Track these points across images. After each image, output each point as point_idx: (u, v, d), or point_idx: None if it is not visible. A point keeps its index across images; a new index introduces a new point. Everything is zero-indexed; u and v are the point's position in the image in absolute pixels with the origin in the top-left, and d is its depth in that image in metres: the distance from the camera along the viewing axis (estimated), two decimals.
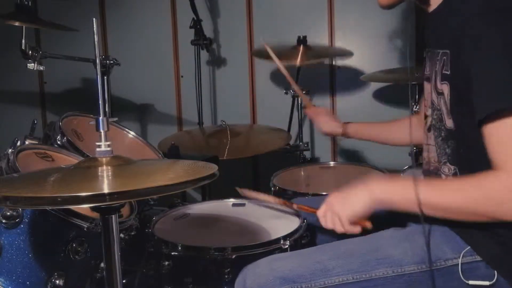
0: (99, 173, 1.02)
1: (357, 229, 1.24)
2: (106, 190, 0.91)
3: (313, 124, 1.99)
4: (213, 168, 1.05)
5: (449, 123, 1.21)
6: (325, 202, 1.27)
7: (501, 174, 1.05)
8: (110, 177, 1.00)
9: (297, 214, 1.58)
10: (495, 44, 1.05)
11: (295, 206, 1.46)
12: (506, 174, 1.04)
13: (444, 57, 1.19)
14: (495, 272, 1.17)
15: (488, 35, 1.07)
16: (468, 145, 1.18)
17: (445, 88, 1.19)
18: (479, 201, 1.07)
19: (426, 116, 1.34)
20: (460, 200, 1.10)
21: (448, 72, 1.18)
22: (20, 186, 1.02)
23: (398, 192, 1.17)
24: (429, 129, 1.33)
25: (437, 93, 1.23)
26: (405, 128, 1.68)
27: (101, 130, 1.07)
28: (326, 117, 1.96)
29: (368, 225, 1.25)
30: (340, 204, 1.23)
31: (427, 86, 1.33)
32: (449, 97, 1.18)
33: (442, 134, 1.25)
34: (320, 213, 1.28)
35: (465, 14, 1.12)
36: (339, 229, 1.24)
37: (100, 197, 0.90)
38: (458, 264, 1.19)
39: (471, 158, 1.18)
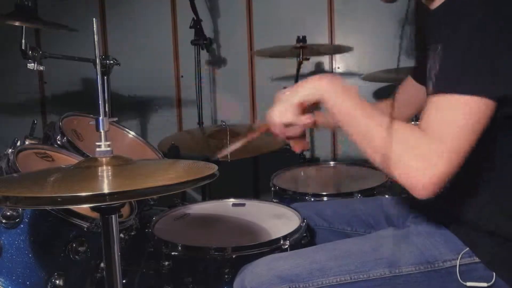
0: (99, 173, 1.02)
1: (305, 119, 1.20)
2: (106, 190, 0.91)
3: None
4: (213, 168, 1.05)
5: None
6: (273, 102, 1.23)
7: (424, 140, 1.03)
8: (110, 177, 1.01)
9: (297, 214, 1.58)
10: (468, 26, 1.04)
11: (256, 130, 1.32)
12: (428, 142, 1.02)
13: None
14: (494, 273, 1.17)
15: (466, 19, 1.05)
16: None
17: None
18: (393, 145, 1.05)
19: None
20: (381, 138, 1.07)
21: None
22: (20, 186, 1.02)
23: (343, 100, 1.15)
24: None
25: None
26: None
27: (101, 130, 1.07)
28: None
29: (306, 144, 1.24)
30: (286, 95, 1.20)
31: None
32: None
33: None
34: (268, 114, 1.22)
35: (459, 14, 1.11)
36: (289, 120, 1.19)
37: (100, 197, 0.90)
38: (456, 265, 1.19)
39: (465, 162, 1.17)
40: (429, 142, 1.02)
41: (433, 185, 1.01)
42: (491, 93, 1.01)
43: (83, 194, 0.88)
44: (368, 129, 1.10)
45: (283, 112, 1.20)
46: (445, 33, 1.13)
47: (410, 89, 1.60)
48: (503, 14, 1.04)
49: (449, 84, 1.04)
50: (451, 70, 1.05)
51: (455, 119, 1.02)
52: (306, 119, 1.20)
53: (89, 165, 1.06)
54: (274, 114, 1.21)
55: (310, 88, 1.18)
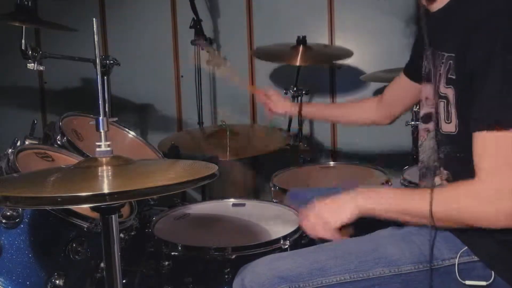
0: (99, 173, 1.02)
1: (339, 236, 1.28)
2: (106, 190, 0.91)
3: (265, 108, 1.97)
4: (213, 168, 1.05)
5: (446, 127, 1.21)
6: (313, 210, 1.30)
7: (477, 184, 1.10)
8: (110, 177, 1.00)
9: (297, 214, 1.58)
10: (499, 56, 1.07)
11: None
12: (481, 183, 1.09)
13: (450, 61, 1.17)
14: (492, 272, 1.17)
15: (494, 45, 1.08)
16: (470, 149, 1.16)
17: (450, 92, 1.18)
18: (461, 209, 1.12)
19: (426, 114, 1.33)
20: (444, 207, 1.14)
21: (454, 77, 1.17)
22: (20, 186, 1.02)
23: (381, 203, 1.22)
24: (424, 131, 1.34)
25: (439, 96, 1.22)
26: (359, 110, 1.84)
27: (101, 130, 1.07)
28: (277, 97, 1.99)
29: (351, 231, 1.30)
30: (328, 212, 1.27)
31: (426, 86, 1.33)
32: (454, 101, 1.17)
33: (437, 138, 1.25)
34: (307, 222, 1.30)
35: (473, 18, 1.12)
36: (323, 235, 1.28)
37: (100, 197, 0.90)
38: (455, 264, 1.19)
39: (470, 162, 1.17)
40: (488, 187, 1.08)
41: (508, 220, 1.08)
42: None
43: (83, 194, 0.88)
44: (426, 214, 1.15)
45: (323, 230, 1.27)
46: (454, 42, 1.15)
47: (402, 86, 1.63)
48: None
49: (493, 119, 1.08)
50: (492, 103, 1.08)
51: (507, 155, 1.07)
52: (338, 237, 1.27)
53: (89, 165, 1.06)
54: (313, 230, 1.29)
55: (349, 210, 1.24)
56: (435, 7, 1.28)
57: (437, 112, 1.23)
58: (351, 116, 1.87)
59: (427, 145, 1.32)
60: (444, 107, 1.20)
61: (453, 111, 1.18)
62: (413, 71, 1.52)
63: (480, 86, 1.09)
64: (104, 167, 1.04)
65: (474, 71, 1.10)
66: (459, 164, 1.21)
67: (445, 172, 1.25)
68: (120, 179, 1.01)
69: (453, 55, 1.17)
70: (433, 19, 1.30)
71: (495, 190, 1.07)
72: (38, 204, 0.94)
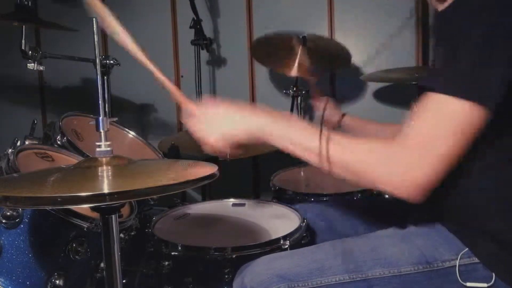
0: (99, 173, 1.02)
1: (233, 151, 1.23)
2: (106, 190, 0.91)
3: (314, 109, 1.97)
4: (213, 168, 1.05)
5: None
6: (203, 108, 1.25)
7: (403, 146, 1.05)
8: (110, 177, 1.00)
9: (297, 214, 1.58)
10: (475, 33, 1.03)
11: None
12: (408, 148, 1.04)
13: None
14: (493, 274, 1.17)
15: (472, 25, 1.05)
16: None
17: None
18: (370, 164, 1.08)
19: None
20: (350, 156, 1.10)
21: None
22: (19, 186, 1.02)
23: (278, 131, 1.17)
24: None
25: None
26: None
27: (101, 130, 1.07)
28: (330, 104, 1.94)
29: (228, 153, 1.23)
30: (215, 118, 1.22)
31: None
32: None
33: None
34: (190, 122, 1.25)
35: (465, 12, 1.12)
36: (203, 141, 1.22)
37: (100, 197, 0.90)
38: (455, 265, 1.19)
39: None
40: (407, 151, 1.03)
41: (418, 191, 1.04)
42: (489, 102, 1.00)
43: (83, 194, 0.88)
44: (338, 159, 1.11)
45: (202, 133, 1.22)
46: (452, 34, 1.13)
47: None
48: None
49: (448, 85, 1.03)
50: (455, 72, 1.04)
51: (444, 122, 1.02)
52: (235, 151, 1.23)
53: (89, 165, 1.06)
54: (191, 125, 1.23)
55: (235, 128, 1.19)
56: (440, 7, 1.26)
57: None
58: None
59: None
60: None
61: None
62: None
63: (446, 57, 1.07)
64: (104, 167, 1.04)
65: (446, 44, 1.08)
66: (463, 172, 1.18)
67: None
68: (120, 179, 1.01)
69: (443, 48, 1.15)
70: (438, 18, 1.28)
71: (416, 155, 1.03)
72: (38, 204, 0.94)
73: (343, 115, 1.89)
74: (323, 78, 2.92)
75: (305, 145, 1.14)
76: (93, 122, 1.08)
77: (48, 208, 1.35)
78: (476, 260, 1.18)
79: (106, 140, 1.07)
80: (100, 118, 1.07)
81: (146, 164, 1.23)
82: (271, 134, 1.18)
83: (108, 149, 1.07)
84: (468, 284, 1.18)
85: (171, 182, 0.94)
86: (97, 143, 1.07)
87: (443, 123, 1.02)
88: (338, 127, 1.90)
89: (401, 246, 1.23)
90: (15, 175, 1.37)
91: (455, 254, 1.19)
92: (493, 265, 1.17)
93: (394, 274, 1.20)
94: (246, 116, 1.20)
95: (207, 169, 1.04)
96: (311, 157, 1.14)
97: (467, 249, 1.19)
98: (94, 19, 1.09)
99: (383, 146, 1.08)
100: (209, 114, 1.23)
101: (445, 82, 1.04)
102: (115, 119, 1.23)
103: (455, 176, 1.21)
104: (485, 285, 1.17)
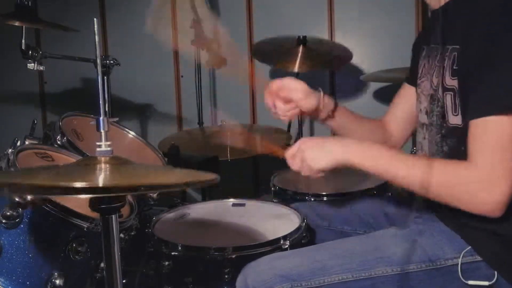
0: (97, 169, 1.01)
1: (319, 176, 1.28)
2: (101, 184, 0.90)
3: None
4: (212, 176, 1.05)
5: (454, 120, 1.21)
6: (298, 147, 1.29)
7: (472, 167, 1.10)
8: (107, 172, 1.00)
9: (297, 214, 1.58)
10: (505, 47, 1.08)
11: (259, 143, 1.45)
12: (476, 168, 1.09)
13: (455, 52, 1.18)
14: (495, 272, 1.18)
15: (500, 36, 1.08)
16: None
17: (455, 84, 1.18)
18: (449, 186, 1.12)
19: (426, 113, 1.33)
20: (433, 181, 1.13)
21: (458, 68, 1.17)
22: (16, 176, 1.02)
23: (369, 161, 1.21)
24: (422, 126, 1.34)
25: (445, 89, 1.22)
26: (371, 131, 1.62)
27: (102, 130, 1.07)
28: (297, 89, 1.46)
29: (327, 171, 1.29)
30: (311, 156, 1.26)
31: (424, 83, 1.33)
32: (458, 92, 1.18)
33: (442, 132, 1.25)
34: (289, 154, 1.31)
35: (479, 9, 1.13)
36: (304, 173, 1.28)
37: (97, 189, 0.89)
38: (458, 264, 1.19)
39: None
40: (480, 173, 1.09)
41: (499, 208, 1.09)
42: None
43: (79, 185, 0.86)
44: (417, 179, 1.14)
45: (303, 169, 1.28)
46: (459, 34, 1.16)
47: (408, 96, 1.54)
48: None
49: (498, 104, 1.08)
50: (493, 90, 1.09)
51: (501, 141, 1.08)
52: (318, 176, 1.28)
53: (88, 163, 1.06)
54: (293, 164, 1.30)
55: (336, 156, 1.24)
56: (437, 3, 1.28)
57: (443, 106, 1.22)
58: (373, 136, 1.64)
59: (428, 138, 1.32)
60: (451, 99, 1.20)
61: (458, 103, 1.18)
62: (414, 77, 1.49)
63: (480, 75, 1.10)
64: (103, 165, 1.03)
65: (474, 61, 1.11)
66: (462, 158, 1.20)
67: None
68: (118, 173, 1.00)
69: (457, 46, 1.17)
70: (436, 15, 1.29)
71: (492, 175, 1.08)
72: (34, 192, 0.92)
73: (336, 106, 1.56)
74: (323, 78, 2.92)
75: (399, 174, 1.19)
76: (93, 122, 1.08)
77: (47, 208, 1.35)
78: (479, 258, 1.19)
79: (106, 140, 1.07)
80: (101, 118, 1.07)
81: (145, 166, 1.22)
82: (363, 166, 1.22)
83: (109, 149, 1.07)
84: (470, 282, 1.18)
85: (171, 182, 0.94)
86: (97, 143, 1.07)
87: (507, 144, 1.08)
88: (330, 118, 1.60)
89: (404, 245, 1.23)
90: (11, 169, 1.37)
91: (457, 252, 1.19)
92: (495, 263, 1.17)
93: (397, 273, 1.20)
94: (338, 147, 1.26)
95: (207, 177, 1.04)
96: (403, 184, 1.18)
97: (469, 247, 1.19)
98: (95, 19, 1.08)
99: (464, 168, 1.12)
100: (304, 153, 1.28)
101: (495, 102, 1.08)
102: (115, 119, 1.23)
103: None
104: (487, 283, 1.17)
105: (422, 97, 1.36)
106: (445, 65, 1.21)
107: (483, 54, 1.10)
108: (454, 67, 1.18)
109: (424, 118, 1.34)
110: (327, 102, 1.49)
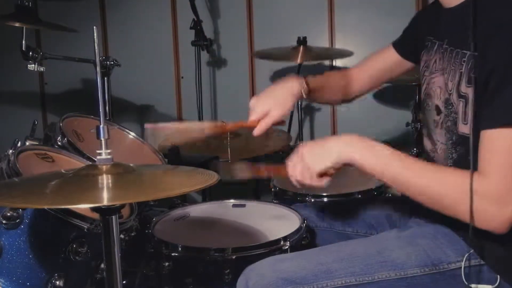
0: (99, 184, 1.01)
1: (322, 183, 1.24)
2: (105, 202, 0.90)
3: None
4: (214, 176, 1.05)
5: (463, 128, 1.18)
6: (297, 152, 1.26)
7: (483, 180, 1.07)
8: (110, 187, 1.00)
9: (297, 215, 1.58)
10: None
11: (262, 169, 1.41)
12: (487, 182, 1.07)
13: (473, 59, 1.15)
14: (498, 276, 1.17)
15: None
16: None
17: (470, 92, 1.15)
18: (452, 194, 1.10)
19: (439, 111, 1.30)
20: (437, 187, 1.11)
21: (475, 75, 1.13)
22: (18, 195, 1.01)
23: (372, 160, 1.18)
24: (437, 125, 1.30)
25: (459, 95, 1.19)
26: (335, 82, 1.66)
27: (102, 138, 1.06)
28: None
29: (330, 174, 1.25)
30: (312, 157, 1.23)
31: (437, 81, 1.29)
32: (472, 101, 1.15)
33: (453, 138, 1.23)
34: (290, 163, 1.27)
35: (500, 15, 1.11)
36: (306, 182, 1.24)
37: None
38: (461, 267, 1.18)
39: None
40: (494, 184, 1.06)
41: (505, 226, 1.07)
42: None
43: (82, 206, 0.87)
44: (423, 189, 1.12)
45: (304, 174, 1.23)
46: (478, 41, 1.12)
47: (389, 58, 1.59)
48: None
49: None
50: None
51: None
52: (324, 183, 1.24)
53: (88, 173, 1.05)
54: (294, 172, 1.25)
55: (338, 154, 1.20)
56: (453, 2, 1.25)
57: (456, 112, 1.20)
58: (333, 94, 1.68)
59: (439, 140, 1.29)
60: (463, 107, 1.18)
61: (469, 112, 1.16)
62: (405, 47, 1.54)
63: (498, 86, 1.07)
64: (104, 176, 1.03)
65: (493, 71, 1.08)
66: (469, 167, 1.19)
67: None
68: (120, 190, 1.00)
69: (476, 54, 1.13)
70: (449, 14, 1.27)
71: (503, 191, 1.05)
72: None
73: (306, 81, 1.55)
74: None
75: (393, 176, 1.16)
76: (93, 130, 1.07)
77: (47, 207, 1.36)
78: (481, 261, 1.18)
79: (106, 148, 1.06)
80: (101, 126, 1.06)
81: (147, 172, 1.21)
82: (362, 166, 1.19)
83: (109, 157, 1.06)
84: (473, 285, 1.18)
85: (171, 193, 0.94)
86: (98, 151, 1.06)
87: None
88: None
89: (407, 248, 1.23)
90: (15, 179, 1.37)
91: (460, 255, 1.19)
92: (498, 267, 1.17)
93: (401, 277, 1.20)
94: (339, 144, 1.22)
95: (208, 178, 1.04)
96: (401, 190, 1.16)
97: (472, 250, 1.19)
98: (94, 27, 1.08)
99: (474, 180, 1.09)
100: (304, 154, 1.24)
101: (510, 112, 1.06)
102: (116, 126, 1.22)
103: None
104: (490, 287, 1.17)
105: (432, 93, 1.32)
106: (461, 70, 1.18)
107: (503, 64, 1.07)
108: (471, 75, 1.15)
109: (433, 114, 1.31)
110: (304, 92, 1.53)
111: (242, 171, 1.41)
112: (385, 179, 1.17)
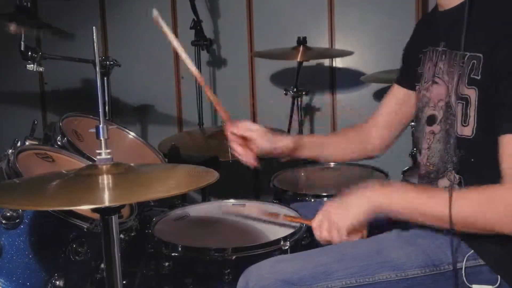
0: (100, 185, 1.01)
1: (354, 239, 1.24)
2: (106, 203, 0.91)
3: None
4: (214, 175, 1.05)
5: (463, 130, 1.17)
6: (321, 211, 1.26)
7: (504, 189, 1.07)
8: (110, 188, 1.00)
9: (297, 215, 1.58)
10: None
11: (281, 218, 1.45)
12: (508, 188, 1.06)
13: (474, 61, 1.13)
14: (498, 276, 1.17)
15: None
16: (486, 154, 1.14)
17: (472, 94, 1.14)
18: (486, 214, 1.09)
19: (431, 117, 1.29)
20: (468, 211, 1.11)
21: (479, 77, 1.12)
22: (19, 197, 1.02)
23: (397, 201, 1.18)
24: (429, 134, 1.30)
25: (458, 97, 1.18)
26: (347, 141, 1.63)
27: (101, 138, 1.06)
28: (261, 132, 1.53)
29: (365, 234, 1.26)
30: (338, 213, 1.23)
31: (435, 89, 1.28)
32: (476, 103, 1.14)
33: (451, 141, 1.21)
34: (315, 223, 1.27)
35: (503, 14, 1.10)
36: (336, 240, 1.23)
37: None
38: (462, 268, 1.18)
39: (484, 168, 1.16)
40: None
41: None
42: None
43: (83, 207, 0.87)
44: (457, 217, 1.10)
45: (333, 234, 1.23)
46: (480, 41, 1.12)
47: (400, 99, 1.52)
48: None
49: None
50: None
51: None
52: (353, 240, 1.24)
53: (89, 173, 1.05)
54: (321, 233, 1.24)
55: (361, 209, 1.20)
56: (449, 4, 1.24)
57: (454, 115, 1.19)
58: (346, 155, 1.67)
59: (435, 147, 1.28)
60: (462, 109, 1.17)
61: (472, 113, 1.15)
62: (409, 79, 1.46)
63: (510, 87, 1.06)
64: (105, 176, 1.03)
65: (504, 72, 1.07)
66: (472, 170, 1.19)
67: (457, 176, 1.22)
68: (120, 190, 1.00)
69: (479, 55, 1.12)
70: (446, 17, 1.26)
71: None
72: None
73: (296, 145, 1.55)
74: (323, 79, 2.92)
75: (427, 211, 1.16)
76: (93, 130, 1.07)
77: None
78: (482, 262, 1.18)
79: (106, 148, 1.06)
80: (100, 126, 1.06)
81: (146, 172, 1.21)
82: (390, 209, 1.19)
83: (109, 157, 1.06)
84: (474, 286, 1.18)
85: (171, 193, 0.94)
86: (98, 151, 1.06)
87: None
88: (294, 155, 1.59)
89: (407, 249, 1.22)
90: (16, 181, 1.36)
91: (461, 256, 1.19)
92: (498, 267, 1.17)
93: (401, 278, 1.19)
94: (356, 201, 1.22)
95: (208, 176, 1.04)
96: (438, 223, 1.15)
97: (472, 251, 1.18)
98: (93, 27, 1.08)
99: (498, 193, 1.09)
100: (330, 212, 1.24)
101: None
102: (114, 126, 1.23)
103: (467, 182, 1.20)
104: (490, 287, 1.17)
105: (430, 103, 1.30)
106: (461, 72, 1.17)
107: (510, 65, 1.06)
108: (472, 76, 1.14)
109: (424, 128, 1.30)
110: (283, 146, 1.52)
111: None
112: (415, 216, 1.18)
